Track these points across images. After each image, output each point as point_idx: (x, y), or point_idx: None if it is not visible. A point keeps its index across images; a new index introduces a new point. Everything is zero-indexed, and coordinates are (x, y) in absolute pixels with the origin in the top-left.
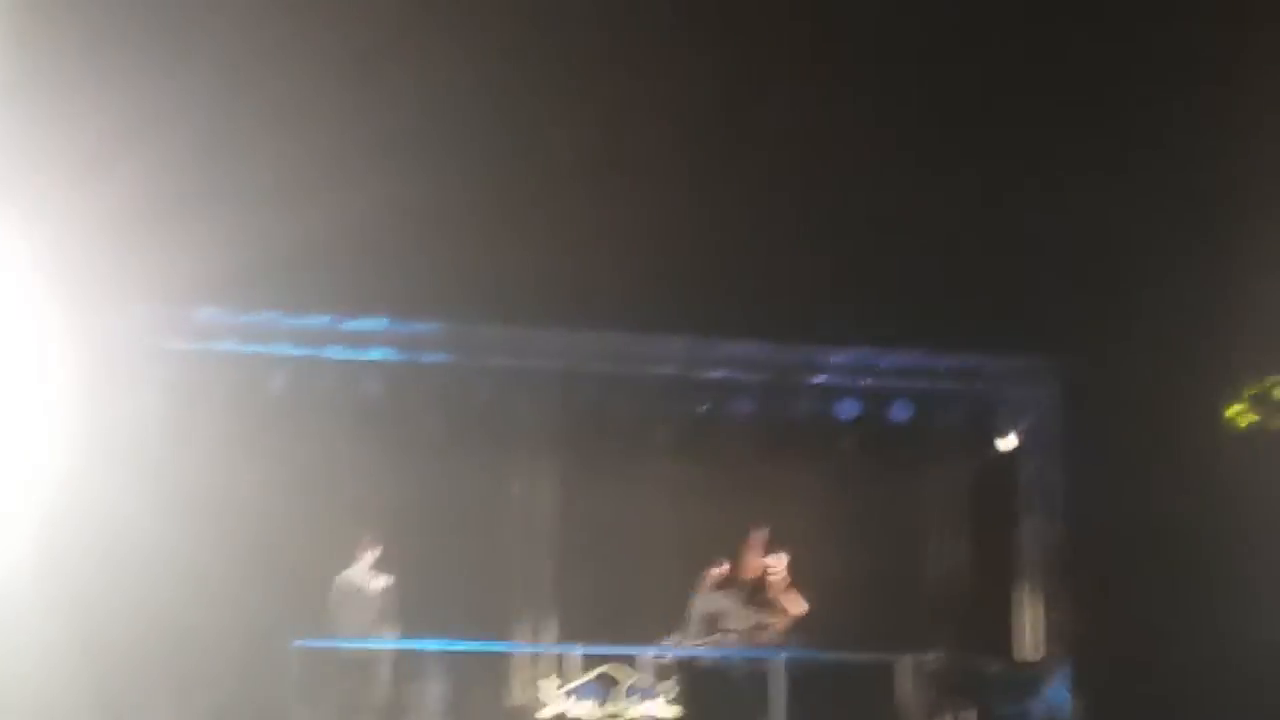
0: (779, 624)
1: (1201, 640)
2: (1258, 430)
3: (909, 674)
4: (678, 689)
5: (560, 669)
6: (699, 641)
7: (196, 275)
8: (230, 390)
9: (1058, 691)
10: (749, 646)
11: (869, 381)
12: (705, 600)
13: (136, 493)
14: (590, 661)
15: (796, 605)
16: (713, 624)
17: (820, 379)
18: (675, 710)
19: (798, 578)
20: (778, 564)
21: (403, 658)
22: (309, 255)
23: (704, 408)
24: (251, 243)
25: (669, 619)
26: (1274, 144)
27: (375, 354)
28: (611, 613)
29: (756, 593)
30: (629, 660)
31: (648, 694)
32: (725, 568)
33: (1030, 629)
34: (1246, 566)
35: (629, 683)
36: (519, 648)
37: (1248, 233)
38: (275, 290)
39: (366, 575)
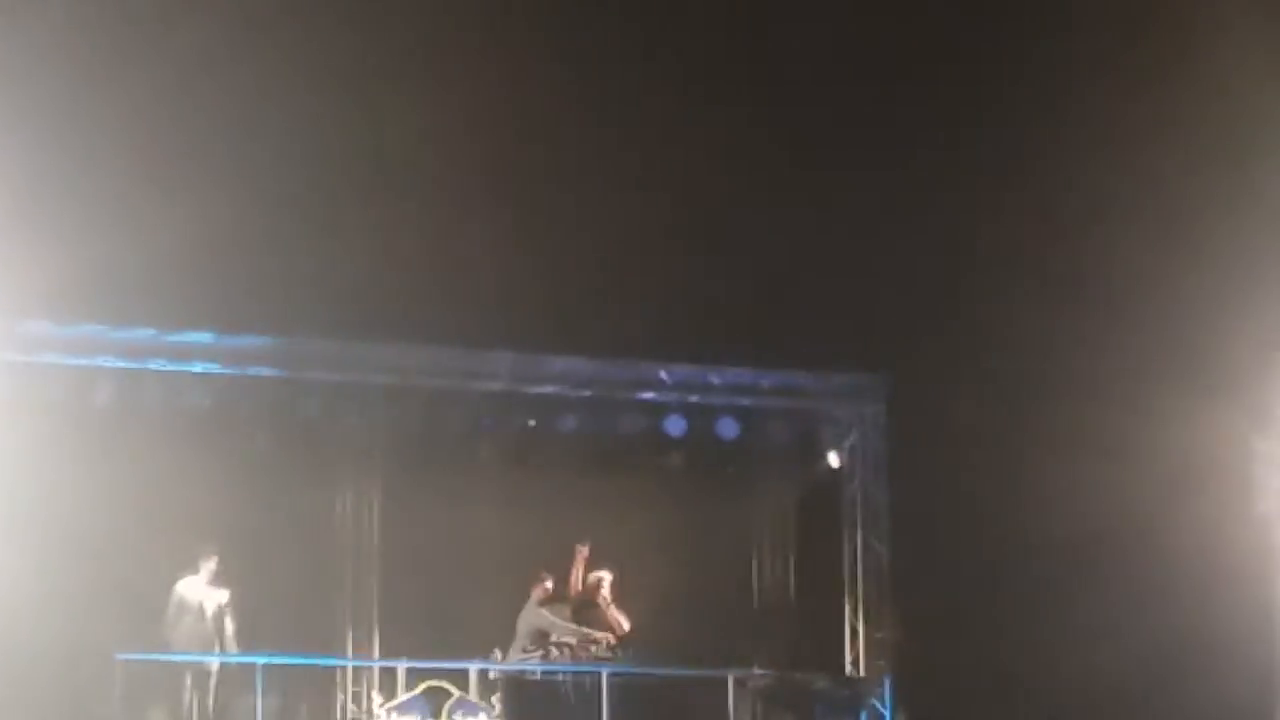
0: (605, 640)
1: (1022, 655)
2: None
3: (735, 690)
4: (505, 704)
5: (388, 684)
6: (525, 656)
7: (20, 287)
8: (55, 402)
9: (882, 707)
10: (576, 662)
11: (696, 398)
12: (531, 615)
13: None
14: (417, 676)
15: (621, 623)
16: (539, 639)
17: (647, 395)
18: None
19: (625, 594)
20: (603, 580)
21: (230, 671)
22: (134, 268)
23: (531, 423)
24: (76, 255)
25: (496, 634)
26: (1092, 156)
27: (201, 367)
28: (438, 627)
29: (583, 609)
30: (456, 675)
31: (474, 709)
32: (550, 583)
33: (855, 645)
34: (1069, 583)
35: (456, 698)
36: (346, 662)
37: (1070, 250)
38: (100, 303)
39: (195, 588)
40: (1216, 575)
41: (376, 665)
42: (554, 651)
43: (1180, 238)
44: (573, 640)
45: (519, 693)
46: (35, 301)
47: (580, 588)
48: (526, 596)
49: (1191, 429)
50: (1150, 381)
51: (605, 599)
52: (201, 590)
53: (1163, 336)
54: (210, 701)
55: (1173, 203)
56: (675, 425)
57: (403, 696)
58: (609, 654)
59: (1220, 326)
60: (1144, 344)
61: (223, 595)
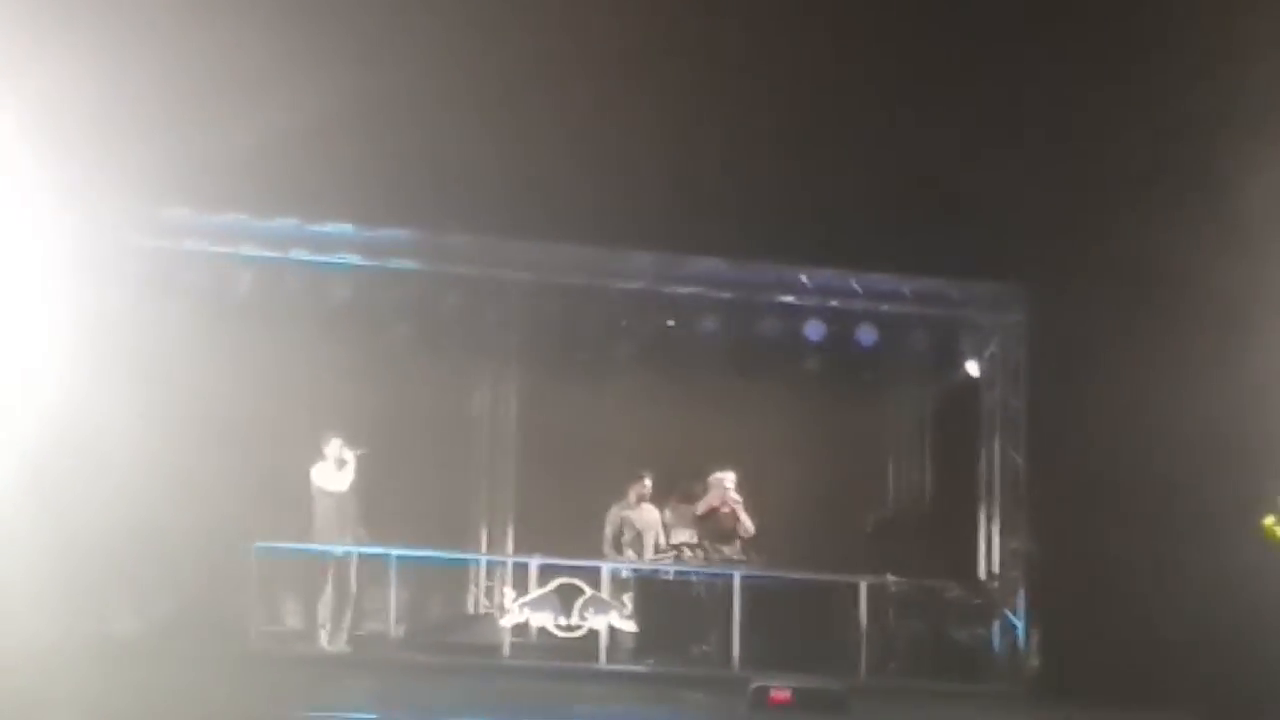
0: (725, 546)
1: (1157, 569)
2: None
3: (867, 595)
4: (636, 603)
5: (520, 580)
6: (659, 557)
7: (164, 174)
8: (197, 290)
9: (1015, 617)
10: (709, 564)
11: (836, 303)
12: (627, 514)
13: (102, 390)
14: (550, 573)
15: (747, 525)
16: (634, 537)
17: (787, 299)
18: (633, 624)
19: (761, 498)
20: (725, 481)
21: (364, 564)
22: (276, 159)
23: (670, 323)
24: (219, 144)
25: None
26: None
27: (341, 259)
28: (572, 525)
29: (710, 511)
30: (588, 573)
31: (606, 607)
32: (648, 482)
33: (989, 555)
34: (1203, 498)
35: (588, 595)
36: (480, 557)
37: (1217, 168)
38: (242, 192)
39: (332, 479)
40: None
41: (510, 561)
42: (686, 553)
43: None
44: (674, 540)
45: (651, 593)
46: (178, 188)
47: (708, 489)
48: (625, 495)
49: None
50: None
51: (732, 499)
52: (338, 481)
53: None
54: (344, 592)
55: None
56: (814, 330)
57: (535, 592)
58: (742, 557)
59: None
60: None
61: (359, 487)
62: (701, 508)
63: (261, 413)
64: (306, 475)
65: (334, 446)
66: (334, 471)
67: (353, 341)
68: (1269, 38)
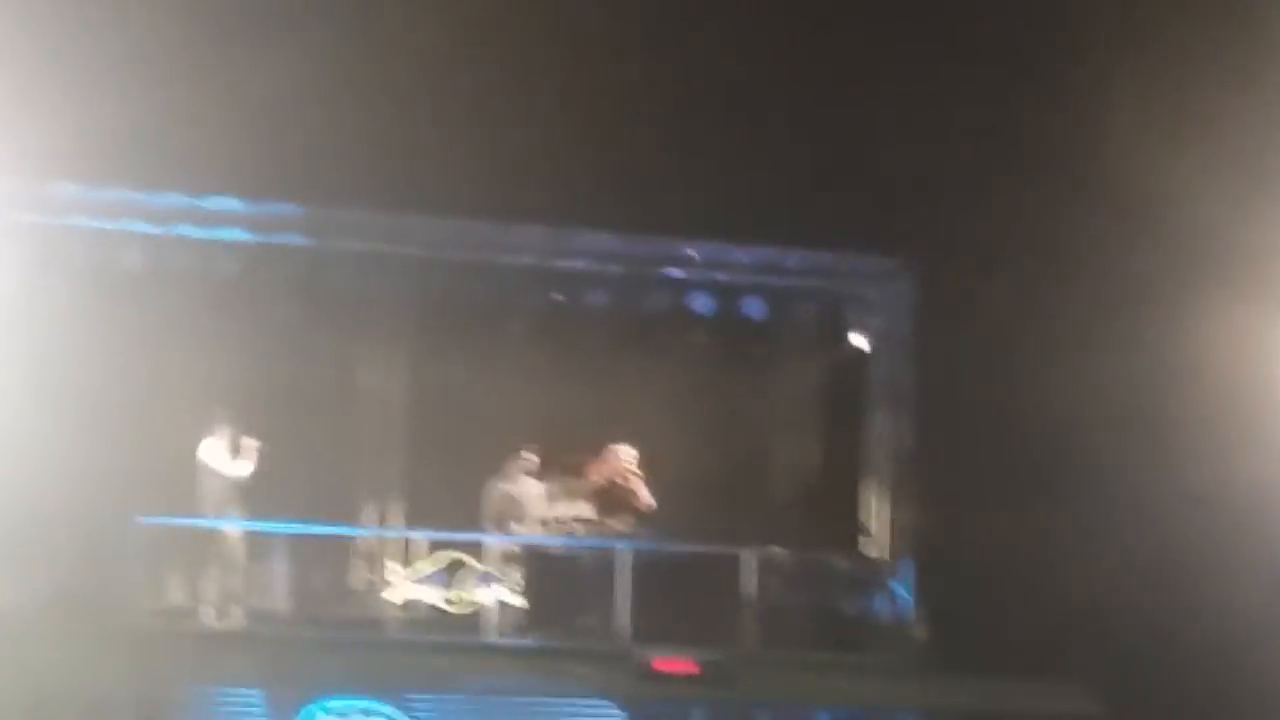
0: (624, 520)
1: (1044, 541)
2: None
3: (755, 567)
4: (524, 578)
5: (407, 555)
6: (546, 530)
7: (48, 149)
8: (82, 267)
9: (902, 588)
10: (595, 537)
11: (723, 277)
12: (508, 488)
13: None
14: (437, 548)
15: (647, 500)
16: (516, 512)
17: (675, 272)
18: (521, 598)
19: (647, 471)
20: (623, 455)
21: (251, 538)
22: (162, 132)
23: (558, 298)
24: (105, 118)
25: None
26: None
27: (229, 234)
28: (459, 500)
29: (609, 486)
30: (474, 548)
31: (494, 581)
32: (533, 459)
33: (876, 527)
34: (1091, 469)
35: (475, 570)
36: (366, 532)
37: (1098, 141)
38: (128, 167)
39: (218, 455)
40: (1236, 465)
41: (396, 536)
42: (576, 527)
43: (1207, 131)
44: (552, 514)
45: (538, 567)
46: (63, 163)
47: (603, 468)
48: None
49: (1213, 320)
50: (1174, 272)
51: (630, 473)
52: (232, 466)
53: (1187, 228)
54: (230, 567)
55: (1203, 96)
56: (702, 303)
57: (422, 567)
58: (629, 529)
59: (1242, 220)
60: (1168, 235)
61: (245, 463)
62: (597, 479)
63: (148, 388)
64: (192, 452)
65: (220, 422)
66: (225, 454)
67: (240, 317)
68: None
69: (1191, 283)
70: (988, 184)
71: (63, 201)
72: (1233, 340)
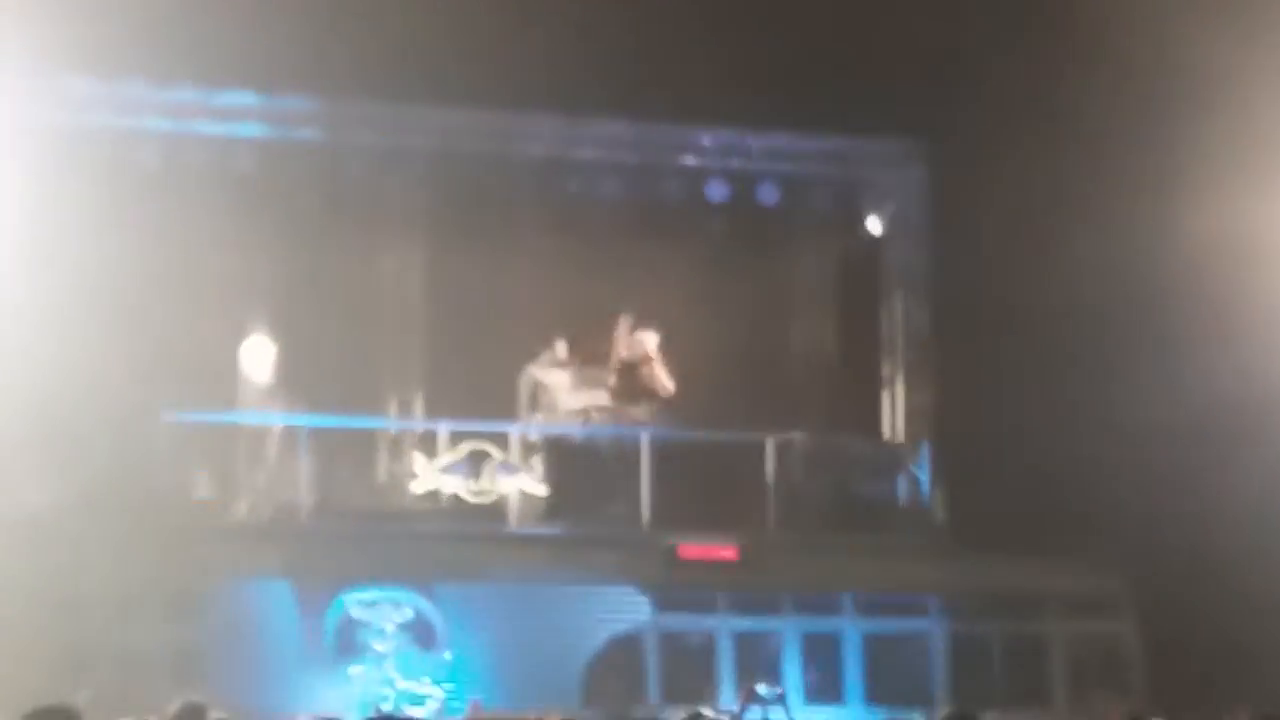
0: (645, 407)
1: (1059, 421)
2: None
3: (774, 452)
4: (545, 466)
5: (430, 446)
6: (568, 420)
7: (64, 43)
8: (102, 165)
9: (919, 471)
10: (618, 424)
11: (738, 163)
12: (540, 375)
13: (6, 267)
14: (460, 438)
15: (666, 384)
16: (548, 399)
17: (689, 160)
18: (543, 487)
19: (665, 358)
20: (647, 341)
21: (274, 433)
22: (178, 24)
23: (573, 188)
24: (120, 11)
25: None
26: None
27: (246, 130)
28: (481, 390)
29: (629, 370)
30: (497, 437)
31: (517, 470)
32: (562, 346)
33: (894, 410)
34: (1106, 349)
35: (498, 459)
36: (389, 424)
37: (1116, 24)
38: (144, 60)
39: (243, 351)
40: (1262, 339)
41: (419, 427)
42: (595, 415)
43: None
44: (583, 403)
45: (560, 456)
46: (78, 59)
47: (625, 353)
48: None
49: (1228, 206)
50: (1190, 157)
51: (651, 359)
52: (248, 353)
53: (1205, 116)
54: (257, 461)
55: None
56: (717, 191)
57: (445, 458)
58: (650, 418)
59: (1260, 109)
60: (1188, 113)
61: (269, 358)
62: (616, 362)
63: (169, 287)
64: (214, 348)
65: (242, 318)
66: (245, 343)
67: (258, 214)
68: None
69: (1209, 163)
70: (1001, 66)
71: (79, 98)
72: (1250, 219)
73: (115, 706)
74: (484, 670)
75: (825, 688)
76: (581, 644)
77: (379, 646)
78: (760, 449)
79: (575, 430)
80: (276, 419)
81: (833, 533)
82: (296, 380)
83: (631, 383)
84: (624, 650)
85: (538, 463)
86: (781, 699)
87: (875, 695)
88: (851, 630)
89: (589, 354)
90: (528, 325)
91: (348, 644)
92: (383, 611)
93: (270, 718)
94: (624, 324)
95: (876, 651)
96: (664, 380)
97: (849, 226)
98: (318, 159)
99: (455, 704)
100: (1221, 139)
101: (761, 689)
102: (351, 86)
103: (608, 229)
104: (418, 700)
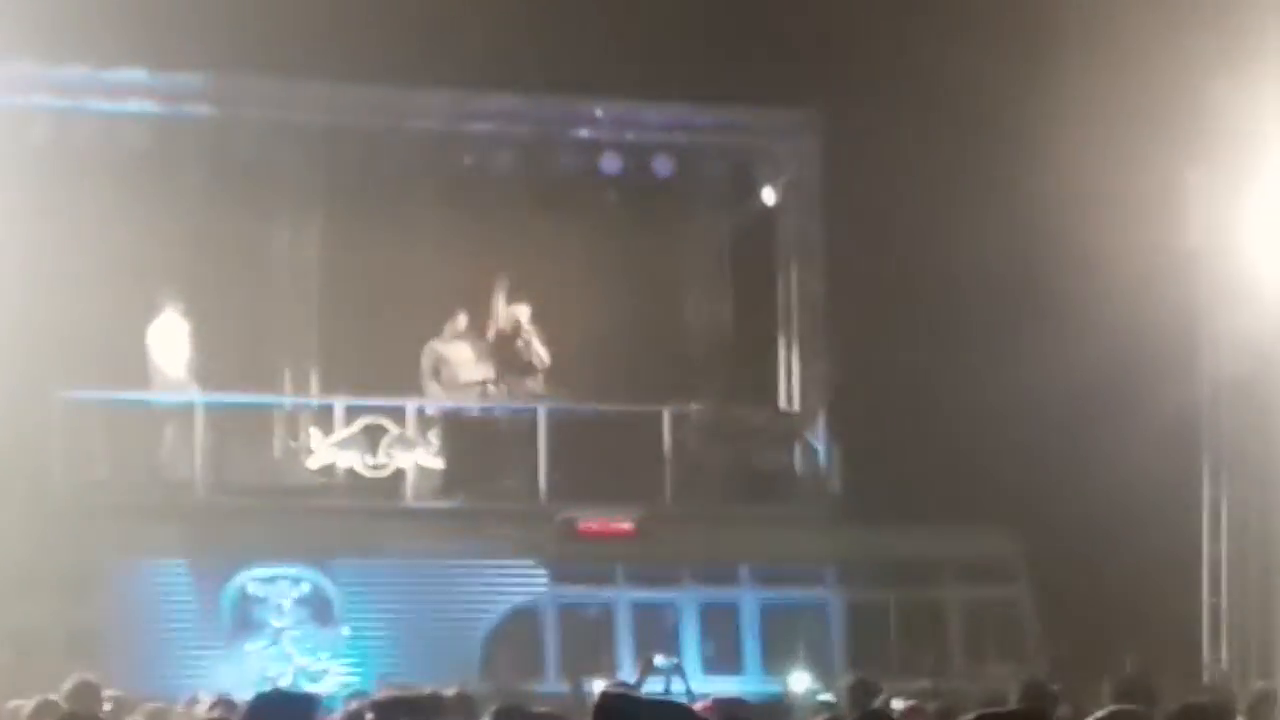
0: (526, 379)
1: (956, 390)
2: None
3: (671, 424)
4: (442, 440)
5: (326, 421)
6: (463, 393)
7: None
8: None
9: (816, 441)
10: (512, 399)
11: (631, 135)
12: (442, 348)
13: None
14: (356, 413)
15: (541, 356)
16: (449, 372)
17: (583, 133)
18: (440, 461)
19: (562, 331)
20: (519, 314)
21: (169, 410)
22: (68, 3)
23: (467, 162)
24: None
25: None
26: None
27: (136, 106)
28: (375, 365)
29: (503, 343)
30: (393, 412)
31: (412, 445)
32: (462, 318)
33: (790, 381)
34: (1001, 316)
35: (394, 434)
36: (284, 400)
37: None
38: (32, 39)
39: (140, 327)
40: (1145, 307)
41: (315, 402)
42: (490, 388)
43: None
44: (482, 376)
45: (457, 429)
46: None
47: (501, 325)
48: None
49: (1123, 161)
50: (1082, 116)
51: (525, 331)
52: (142, 329)
53: (1095, 72)
54: (150, 439)
55: None
56: (611, 163)
57: (341, 433)
58: (545, 390)
59: (1151, 60)
60: (1076, 79)
61: (163, 334)
62: (491, 334)
63: (60, 264)
64: (106, 324)
65: (134, 294)
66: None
67: (150, 190)
68: None
69: (1101, 124)
70: (894, 37)
71: None
72: (1141, 185)
73: (9, 685)
74: (381, 645)
75: (723, 658)
76: (479, 617)
77: (276, 623)
78: (657, 421)
79: (471, 405)
80: (170, 397)
81: (730, 504)
82: (191, 356)
83: (509, 354)
84: (522, 623)
85: (434, 437)
86: (679, 669)
87: (773, 665)
88: (749, 600)
89: (484, 327)
90: (422, 300)
91: (244, 621)
92: (279, 588)
93: (166, 696)
94: (499, 295)
95: (774, 621)
96: (539, 351)
97: (743, 198)
98: (209, 135)
99: (353, 679)
100: (1105, 109)
101: (659, 660)
102: (242, 62)
103: (502, 202)
104: (316, 676)
